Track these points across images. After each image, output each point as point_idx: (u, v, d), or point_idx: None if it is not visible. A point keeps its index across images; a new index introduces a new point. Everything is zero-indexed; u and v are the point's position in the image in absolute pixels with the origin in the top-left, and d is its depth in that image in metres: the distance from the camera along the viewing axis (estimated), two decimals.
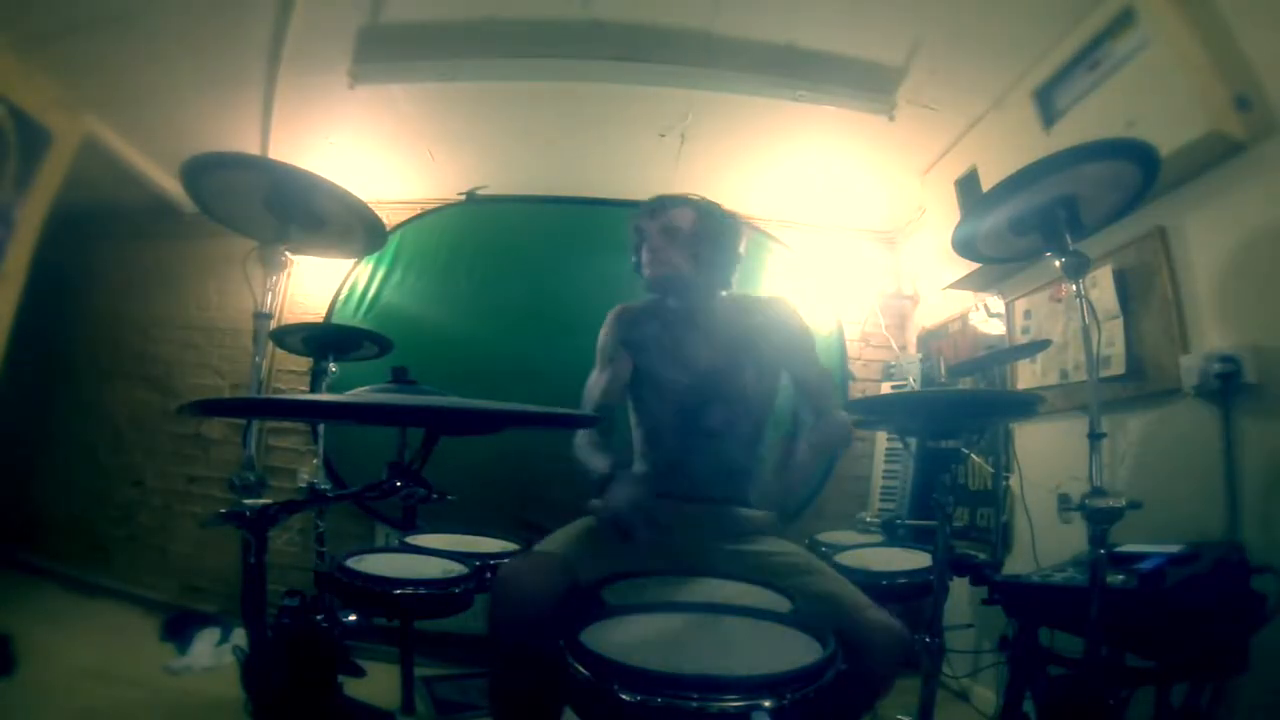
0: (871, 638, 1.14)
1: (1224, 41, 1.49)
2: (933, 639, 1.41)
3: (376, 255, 2.97)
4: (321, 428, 2.24)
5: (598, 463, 1.36)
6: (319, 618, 1.12)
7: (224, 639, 2.40)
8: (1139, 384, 1.74)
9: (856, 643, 1.11)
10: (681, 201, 1.54)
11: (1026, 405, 1.64)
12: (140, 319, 3.25)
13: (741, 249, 1.56)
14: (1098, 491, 1.17)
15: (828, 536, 2.30)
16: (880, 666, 1.15)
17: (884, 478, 2.85)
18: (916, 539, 2.06)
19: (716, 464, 1.49)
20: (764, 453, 1.57)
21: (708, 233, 1.50)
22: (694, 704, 0.77)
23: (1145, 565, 1.25)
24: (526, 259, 3.01)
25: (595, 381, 1.57)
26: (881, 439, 2.92)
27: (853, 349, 3.10)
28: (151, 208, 3.06)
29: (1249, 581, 1.24)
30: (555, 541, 1.32)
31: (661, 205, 1.53)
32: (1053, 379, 2.07)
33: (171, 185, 2.88)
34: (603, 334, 1.62)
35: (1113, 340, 1.80)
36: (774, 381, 1.53)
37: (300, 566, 2.64)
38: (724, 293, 1.56)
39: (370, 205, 1.42)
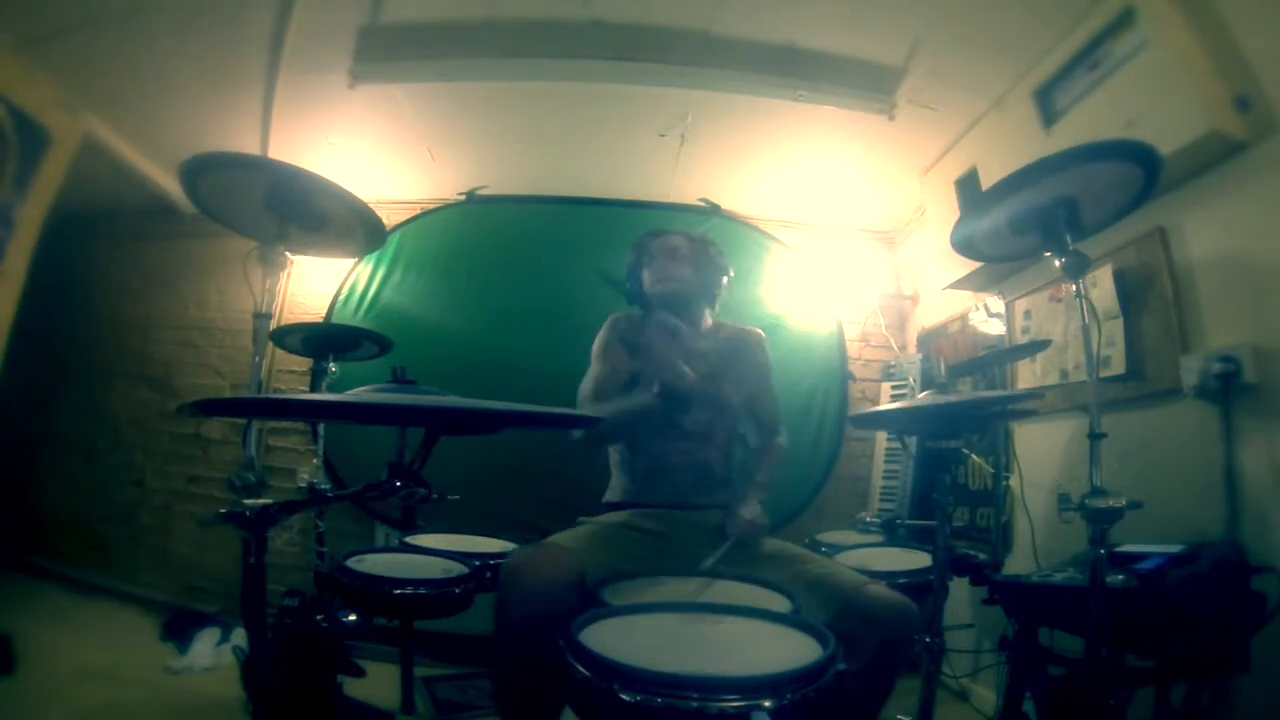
0: (878, 610, 1.21)
1: (1224, 41, 1.49)
2: (933, 639, 1.41)
3: (376, 255, 2.97)
4: (321, 428, 2.24)
5: (638, 400, 1.46)
6: (319, 618, 1.12)
7: (224, 639, 2.40)
8: (1139, 384, 1.74)
9: (866, 617, 1.20)
10: (675, 230, 1.77)
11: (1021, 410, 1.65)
12: (140, 319, 3.25)
13: (726, 276, 1.76)
14: (1097, 491, 1.17)
15: (828, 536, 2.30)
16: (895, 635, 1.21)
17: (884, 478, 2.85)
18: (916, 539, 2.06)
19: (697, 470, 1.57)
20: (737, 462, 1.68)
21: (702, 253, 1.71)
22: (694, 704, 0.77)
23: (1145, 565, 1.25)
24: (526, 259, 3.01)
25: (590, 375, 1.63)
26: (881, 439, 2.92)
27: (853, 349, 3.10)
28: (151, 208, 3.06)
29: (1249, 581, 1.24)
30: (564, 537, 1.34)
31: (660, 231, 1.76)
32: (1053, 379, 2.07)
33: (171, 185, 2.88)
34: (600, 336, 1.70)
35: (1113, 340, 1.80)
36: (744, 397, 1.68)
37: (300, 566, 2.64)
38: (709, 316, 1.74)
39: (370, 205, 1.42)
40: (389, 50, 2.15)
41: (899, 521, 2.20)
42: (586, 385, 1.61)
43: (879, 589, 1.26)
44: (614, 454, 1.68)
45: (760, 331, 1.79)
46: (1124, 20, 1.64)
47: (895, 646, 1.22)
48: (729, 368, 1.65)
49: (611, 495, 1.66)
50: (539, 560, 1.19)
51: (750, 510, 1.45)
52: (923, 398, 1.49)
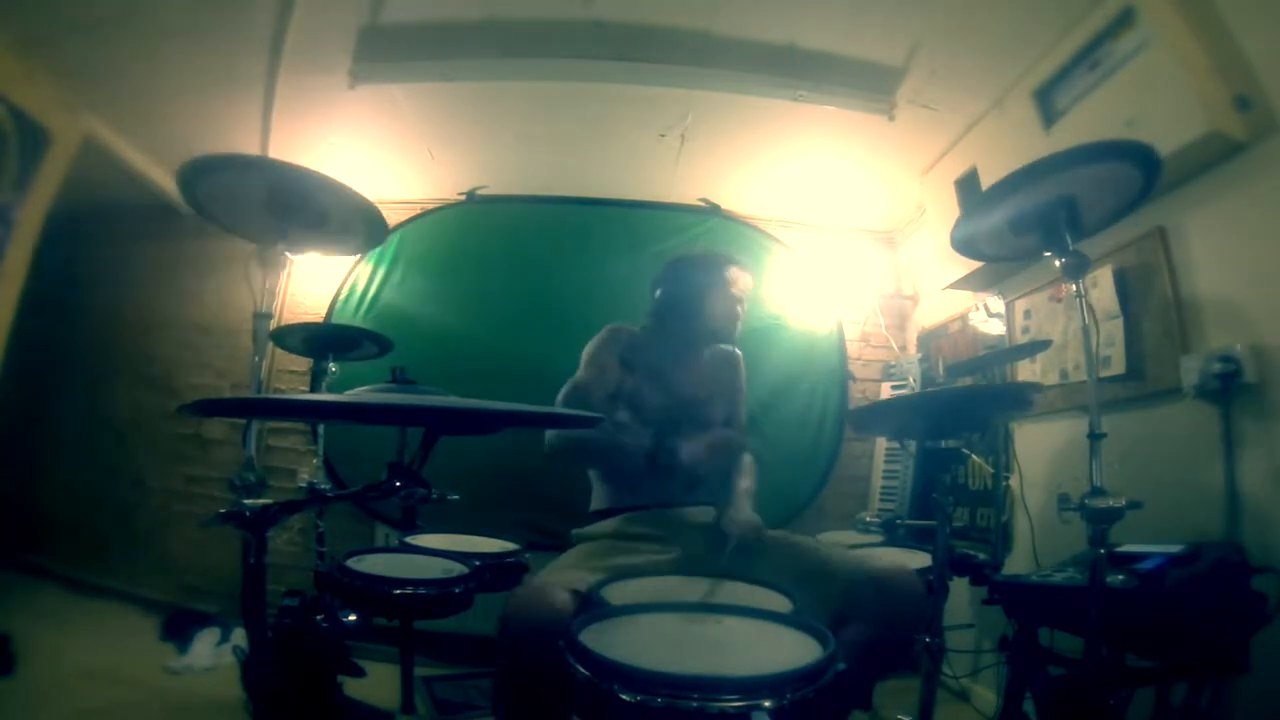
0: (889, 581, 1.28)
1: (1224, 41, 1.49)
2: (933, 639, 1.41)
3: (376, 255, 2.98)
4: (321, 428, 2.24)
5: (626, 444, 1.50)
6: (319, 618, 1.12)
7: (224, 639, 2.40)
8: (1139, 384, 1.74)
9: (881, 589, 1.26)
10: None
11: (1021, 399, 1.64)
12: (140, 319, 3.25)
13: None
14: (1097, 491, 1.17)
15: (828, 536, 2.30)
16: (905, 601, 1.28)
17: (884, 478, 2.85)
18: (916, 539, 2.06)
19: (684, 475, 1.55)
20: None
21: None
22: (694, 704, 0.77)
23: (1145, 565, 1.25)
24: (526, 259, 3.01)
25: (575, 380, 1.63)
26: (881, 439, 2.92)
27: (853, 349, 3.10)
28: (151, 208, 3.06)
29: (1249, 581, 1.24)
30: (556, 570, 1.32)
31: (739, 273, 1.75)
32: (1053, 379, 2.07)
33: (171, 185, 2.88)
34: (595, 343, 1.68)
35: (1113, 340, 1.80)
36: (728, 411, 1.75)
37: (300, 566, 2.64)
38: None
39: (370, 201, 1.42)
40: (389, 50, 2.15)
41: (899, 521, 2.20)
42: (569, 389, 1.61)
43: (880, 560, 1.36)
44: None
45: (739, 351, 1.83)
46: (1124, 20, 1.64)
47: (908, 610, 1.29)
48: (713, 383, 1.73)
49: (596, 504, 1.65)
50: (535, 601, 1.14)
51: (742, 513, 1.48)
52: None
